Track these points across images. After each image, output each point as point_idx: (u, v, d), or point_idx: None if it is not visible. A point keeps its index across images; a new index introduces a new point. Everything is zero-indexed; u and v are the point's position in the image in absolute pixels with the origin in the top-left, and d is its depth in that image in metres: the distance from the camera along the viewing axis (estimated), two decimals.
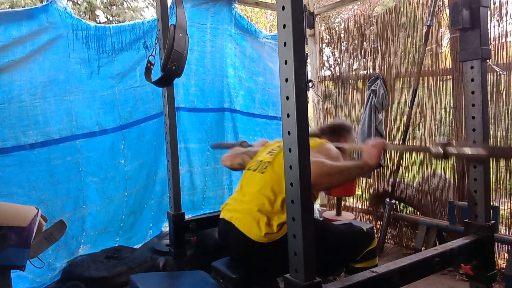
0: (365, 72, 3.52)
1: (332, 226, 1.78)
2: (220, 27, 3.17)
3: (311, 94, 3.89)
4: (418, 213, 3.17)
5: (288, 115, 1.04)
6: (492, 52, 2.53)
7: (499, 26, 2.56)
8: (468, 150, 1.27)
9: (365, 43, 3.48)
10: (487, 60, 1.54)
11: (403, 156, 3.11)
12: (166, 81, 1.96)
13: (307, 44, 3.81)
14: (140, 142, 2.86)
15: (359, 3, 7.45)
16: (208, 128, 3.25)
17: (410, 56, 3.14)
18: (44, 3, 2.32)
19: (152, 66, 2.06)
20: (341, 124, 2.03)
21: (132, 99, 2.76)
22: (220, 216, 1.76)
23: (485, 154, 1.23)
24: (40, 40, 2.31)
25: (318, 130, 2.04)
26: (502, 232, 2.65)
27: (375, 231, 3.35)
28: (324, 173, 1.42)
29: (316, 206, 3.93)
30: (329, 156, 1.58)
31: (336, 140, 1.89)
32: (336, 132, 1.96)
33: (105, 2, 9.87)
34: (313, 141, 1.64)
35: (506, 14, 2.54)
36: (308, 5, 3.77)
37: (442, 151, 1.28)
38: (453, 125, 2.87)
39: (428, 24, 2.80)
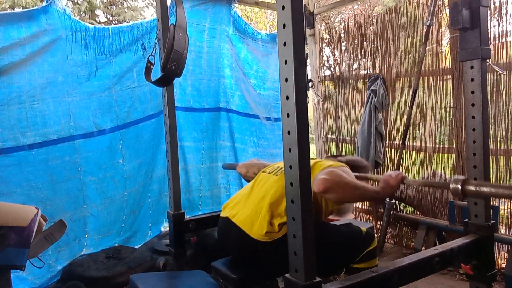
0: (365, 72, 3.52)
1: (332, 226, 1.78)
2: (218, 27, 3.18)
3: (311, 94, 3.89)
4: (418, 213, 3.17)
5: (288, 115, 1.04)
6: (492, 52, 2.53)
7: (499, 26, 2.56)
8: (487, 189, 1.22)
9: (365, 43, 3.48)
10: (487, 60, 1.54)
11: (403, 156, 3.11)
12: (166, 81, 1.96)
13: (307, 44, 3.81)
14: (138, 142, 2.87)
15: (359, 3, 7.46)
16: (203, 127, 3.26)
17: (410, 56, 3.14)
18: (44, 4, 2.32)
19: (152, 66, 2.06)
20: (360, 161, 2.02)
21: (129, 100, 2.77)
22: (221, 215, 1.76)
23: (506, 193, 1.18)
24: (39, 42, 2.32)
25: (336, 159, 2.01)
26: (502, 232, 2.65)
27: (375, 230, 3.34)
28: (342, 183, 1.43)
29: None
30: (349, 176, 1.60)
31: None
32: (354, 168, 1.92)
33: (105, 2, 9.87)
34: (335, 162, 1.70)
35: (506, 14, 2.54)
36: (308, 5, 3.76)
37: (460, 188, 1.24)
38: (453, 125, 2.87)
39: (428, 24, 2.80)
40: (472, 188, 1.23)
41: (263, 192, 1.66)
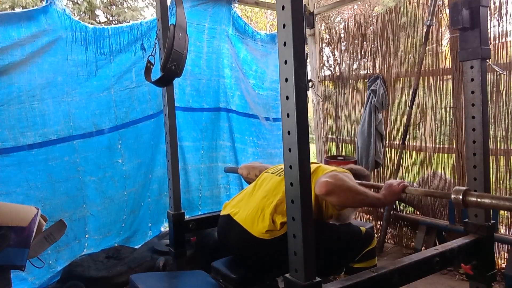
0: (365, 72, 3.52)
1: (331, 226, 1.78)
2: (218, 27, 3.17)
3: (311, 94, 3.89)
4: (418, 213, 3.17)
5: (288, 115, 1.04)
6: (492, 51, 2.52)
7: (499, 26, 2.56)
8: (488, 200, 1.25)
9: (365, 43, 3.48)
10: (487, 60, 1.54)
11: (403, 156, 3.11)
12: (166, 81, 1.96)
13: (307, 44, 3.80)
14: (137, 142, 2.87)
15: (359, 2, 7.46)
16: (203, 127, 3.26)
17: (410, 56, 3.14)
18: (43, 4, 2.32)
19: (152, 66, 2.06)
20: (362, 170, 2.05)
21: (128, 100, 2.77)
22: (222, 213, 1.78)
23: (507, 205, 1.20)
24: (39, 42, 2.32)
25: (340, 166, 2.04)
26: (502, 232, 2.65)
27: (375, 230, 3.34)
28: (344, 187, 1.46)
29: None
30: (351, 181, 1.63)
31: None
32: (356, 177, 1.93)
33: (105, 2, 9.86)
34: (338, 168, 1.74)
35: (506, 14, 2.53)
36: (308, 5, 3.76)
37: (461, 198, 1.28)
38: (453, 124, 2.87)
39: (428, 24, 2.80)
40: (473, 199, 1.27)
41: (265, 192, 1.67)
